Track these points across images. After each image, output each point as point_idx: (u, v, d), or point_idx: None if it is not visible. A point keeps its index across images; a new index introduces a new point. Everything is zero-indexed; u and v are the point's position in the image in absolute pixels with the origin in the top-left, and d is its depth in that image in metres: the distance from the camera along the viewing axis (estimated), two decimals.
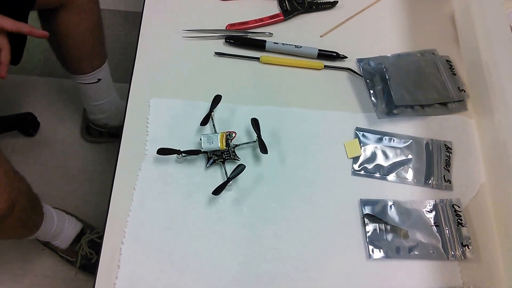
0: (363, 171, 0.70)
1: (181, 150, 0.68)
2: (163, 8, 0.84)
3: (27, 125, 1.44)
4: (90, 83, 1.18)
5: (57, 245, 1.20)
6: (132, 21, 1.73)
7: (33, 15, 0.99)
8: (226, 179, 0.67)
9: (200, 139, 0.68)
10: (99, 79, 1.18)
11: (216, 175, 0.69)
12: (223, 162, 0.69)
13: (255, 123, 0.70)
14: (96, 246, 1.23)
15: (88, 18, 1.02)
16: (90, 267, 1.23)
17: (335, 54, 0.79)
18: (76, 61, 1.11)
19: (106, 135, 1.40)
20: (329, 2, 0.85)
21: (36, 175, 1.39)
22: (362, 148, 0.72)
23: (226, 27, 0.81)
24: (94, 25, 1.06)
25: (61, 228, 1.16)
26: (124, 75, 1.55)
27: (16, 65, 0.99)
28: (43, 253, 1.28)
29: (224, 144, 0.68)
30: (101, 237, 1.20)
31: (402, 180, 0.70)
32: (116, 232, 0.65)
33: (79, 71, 1.13)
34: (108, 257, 0.63)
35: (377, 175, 0.70)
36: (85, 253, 1.22)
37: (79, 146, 1.45)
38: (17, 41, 0.97)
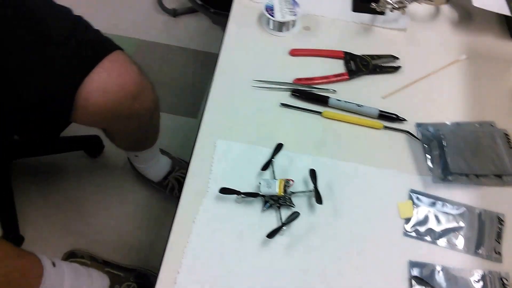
0: (414, 232, 0.72)
1: (241, 191, 0.73)
2: (237, 58, 0.90)
3: (92, 147, 1.54)
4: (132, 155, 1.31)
5: None
6: (203, 60, 1.82)
7: None
8: (280, 224, 0.70)
9: (260, 183, 0.73)
10: (137, 155, 1.30)
11: (271, 219, 0.73)
12: (279, 207, 0.73)
13: (312, 174, 0.74)
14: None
15: (133, 137, 1.14)
16: None
17: (395, 116, 0.83)
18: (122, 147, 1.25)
19: (141, 177, 1.48)
20: (393, 67, 0.89)
21: (92, 194, 1.47)
22: (415, 210, 0.74)
23: (293, 81, 0.87)
24: (139, 138, 1.18)
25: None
26: (189, 109, 1.66)
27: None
28: None
29: (282, 190, 0.72)
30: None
31: (452, 246, 0.71)
32: (173, 261, 0.69)
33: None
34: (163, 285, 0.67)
35: (428, 238, 0.72)
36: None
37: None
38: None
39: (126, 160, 1.51)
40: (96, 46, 0.88)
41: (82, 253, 1.27)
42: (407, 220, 0.73)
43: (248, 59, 0.90)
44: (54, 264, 0.99)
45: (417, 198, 0.75)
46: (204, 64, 1.80)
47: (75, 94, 0.84)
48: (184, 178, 0.77)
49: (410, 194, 0.75)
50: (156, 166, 1.38)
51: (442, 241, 0.72)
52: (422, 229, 0.72)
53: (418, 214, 0.74)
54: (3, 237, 1.30)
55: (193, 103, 1.67)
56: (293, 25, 0.93)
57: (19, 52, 0.83)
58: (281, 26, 0.92)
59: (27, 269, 0.93)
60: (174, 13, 1.97)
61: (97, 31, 0.91)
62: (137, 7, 1.99)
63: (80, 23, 0.89)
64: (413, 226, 0.72)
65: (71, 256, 1.29)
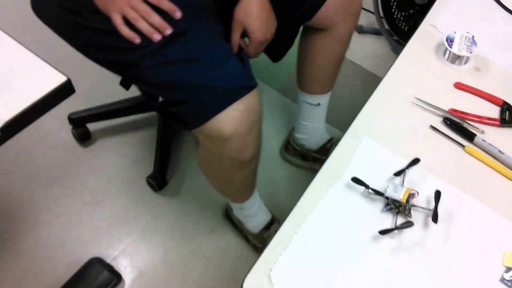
0: (511, 282, 0.77)
1: (369, 186, 0.83)
2: (404, 73, 1.00)
3: None
4: (311, 104, 1.34)
5: (249, 228, 1.36)
6: (369, 81, 1.89)
7: None
8: (394, 227, 0.79)
9: (388, 186, 0.82)
10: (319, 104, 1.32)
11: (386, 221, 0.82)
12: (397, 213, 0.82)
13: (437, 195, 0.81)
14: None
15: (340, 49, 1.18)
16: None
17: None
18: (308, 80, 1.29)
19: (298, 155, 1.56)
20: None
21: None
22: None
23: (449, 110, 0.94)
24: (340, 57, 1.22)
25: (256, 212, 1.32)
26: (337, 120, 1.70)
27: (275, 62, 1.20)
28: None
29: (405, 198, 0.80)
30: None
31: None
32: (291, 228, 0.79)
33: (307, 89, 1.30)
34: (278, 241, 0.78)
35: None
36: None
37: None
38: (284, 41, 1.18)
39: (273, 146, 1.67)
40: None
41: None
42: (508, 269, 0.78)
43: (413, 78, 0.99)
44: None
45: None
46: (368, 85, 1.86)
47: None
48: None
49: None
50: (321, 127, 1.47)
51: None
52: None
53: None
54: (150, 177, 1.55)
55: (344, 116, 1.74)
56: (466, 61, 0.99)
57: None
58: (454, 59, 0.98)
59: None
60: (360, 30, 2.06)
61: None
62: None
63: None
64: None
65: None
